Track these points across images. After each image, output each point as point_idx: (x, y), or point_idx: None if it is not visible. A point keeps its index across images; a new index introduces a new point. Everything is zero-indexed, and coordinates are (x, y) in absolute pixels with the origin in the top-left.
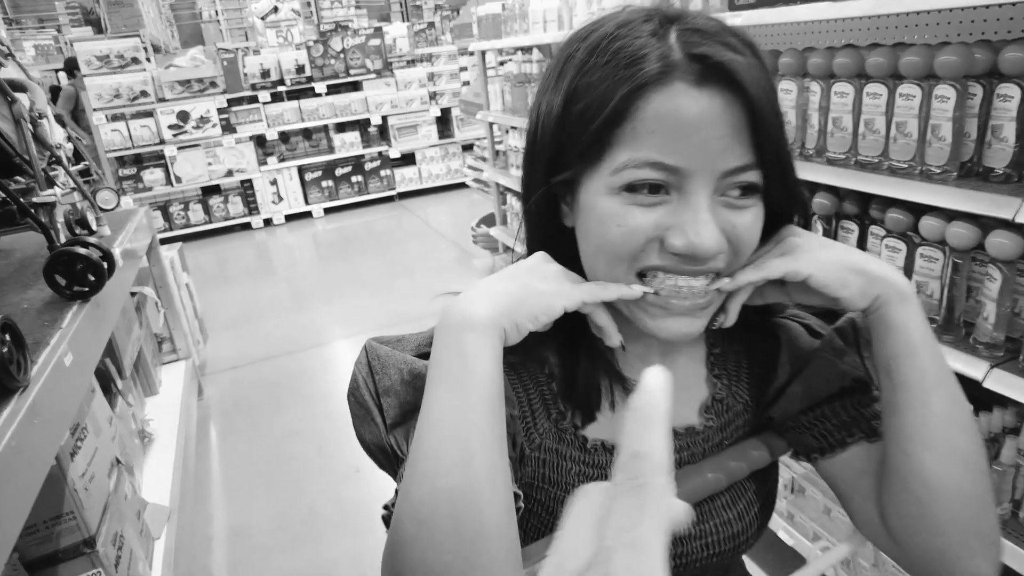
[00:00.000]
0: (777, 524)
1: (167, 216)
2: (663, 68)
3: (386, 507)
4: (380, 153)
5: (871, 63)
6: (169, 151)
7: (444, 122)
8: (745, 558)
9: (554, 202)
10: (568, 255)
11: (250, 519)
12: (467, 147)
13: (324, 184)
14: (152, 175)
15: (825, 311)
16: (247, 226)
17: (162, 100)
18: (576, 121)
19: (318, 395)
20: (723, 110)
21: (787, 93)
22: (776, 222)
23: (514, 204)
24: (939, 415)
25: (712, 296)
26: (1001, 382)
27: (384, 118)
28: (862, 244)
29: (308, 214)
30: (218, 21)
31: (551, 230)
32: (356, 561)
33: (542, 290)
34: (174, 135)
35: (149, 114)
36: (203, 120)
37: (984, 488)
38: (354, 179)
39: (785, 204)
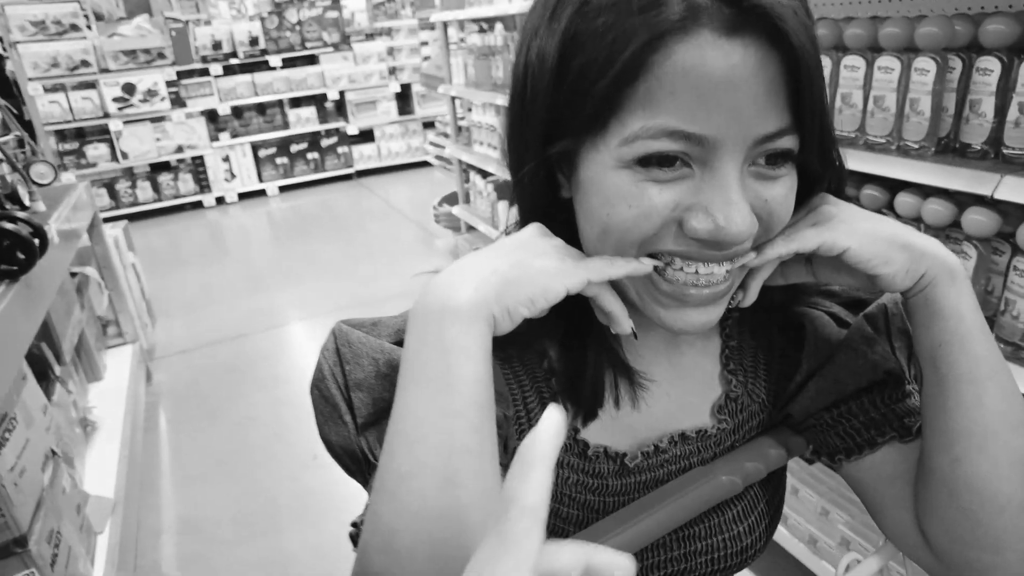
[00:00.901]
0: (797, 549)
1: (113, 194)
2: (686, 12)
3: (354, 524)
4: (337, 129)
5: (849, 35)
6: (114, 125)
7: (404, 98)
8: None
9: (550, 171)
10: (567, 230)
11: (203, 511)
12: (428, 124)
13: (279, 161)
14: (96, 151)
15: (850, 300)
16: (198, 204)
17: (105, 71)
18: (577, 79)
19: (275, 380)
20: (760, 65)
21: None
22: (808, 191)
23: (477, 182)
24: (994, 412)
25: (733, 281)
26: None
27: (341, 93)
28: None
29: (262, 192)
30: None
31: (546, 203)
32: (316, 552)
33: (539, 268)
34: (119, 108)
35: (91, 85)
36: (151, 93)
37: None
38: (310, 156)
39: (820, 171)
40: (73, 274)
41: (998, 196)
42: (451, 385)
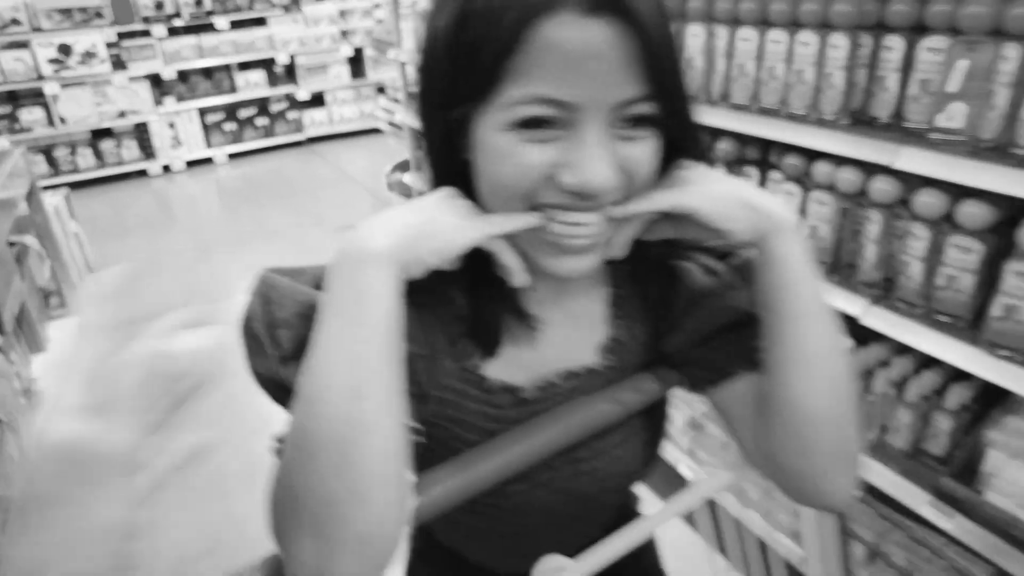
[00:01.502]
0: (679, 460)
1: (51, 161)
2: None
3: (276, 439)
4: (287, 95)
5: (774, 10)
6: (50, 88)
7: (356, 62)
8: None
9: (452, 137)
10: (472, 190)
11: None
12: (382, 89)
13: (227, 127)
14: (31, 115)
15: (723, 253)
16: (143, 173)
17: (38, 30)
18: (467, 52)
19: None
20: (615, 40)
21: (695, 38)
22: (672, 160)
23: None
24: (814, 345)
25: (605, 231)
26: (879, 319)
27: (291, 57)
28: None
29: (210, 160)
30: None
31: (453, 165)
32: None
33: (445, 224)
34: (55, 71)
35: (23, 45)
36: (89, 55)
37: (850, 415)
38: (259, 122)
39: (680, 139)
40: (12, 244)
41: (898, 166)
42: (362, 318)
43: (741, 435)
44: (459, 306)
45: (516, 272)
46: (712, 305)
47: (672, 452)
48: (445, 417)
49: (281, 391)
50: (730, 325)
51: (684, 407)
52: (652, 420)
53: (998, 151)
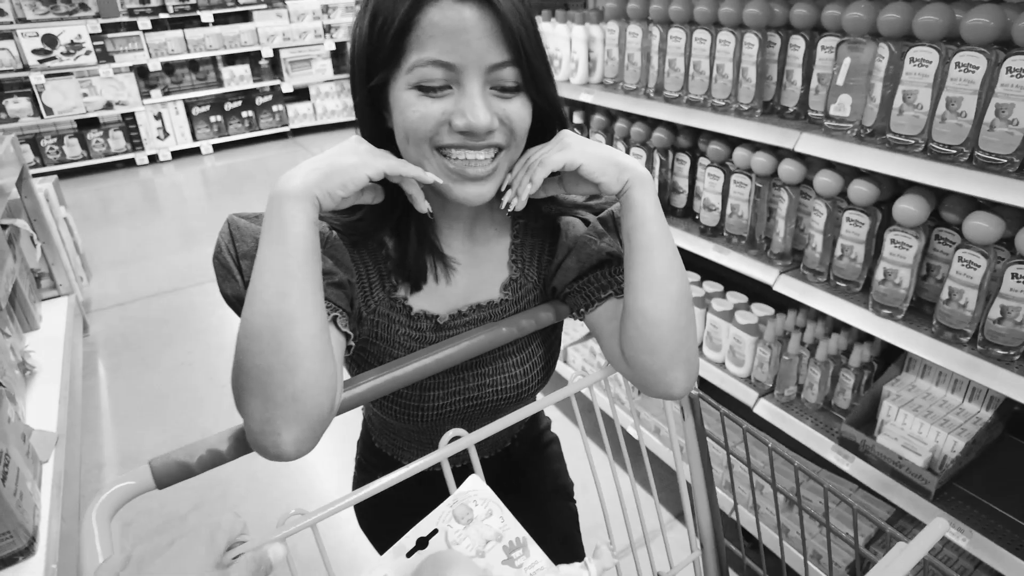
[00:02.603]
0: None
1: (38, 150)
2: None
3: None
4: (272, 87)
5: (698, 11)
6: (36, 79)
7: (339, 56)
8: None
9: (377, 107)
10: (394, 151)
11: (141, 447)
12: None
13: (213, 119)
14: (17, 105)
15: (599, 209)
16: (131, 163)
17: (23, 20)
18: (378, 35)
19: (208, 329)
20: (480, 18)
21: (633, 36)
22: (548, 129)
23: None
24: (659, 268)
25: (496, 165)
26: (788, 286)
27: (276, 51)
28: (693, 173)
29: (196, 151)
30: None
31: (378, 131)
32: (250, 477)
33: (349, 163)
34: (40, 61)
35: (8, 36)
36: (74, 46)
37: (687, 321)
38: (244, 114)
39: (545, 107)
40: (4, 227)
41: (799, 149)
42: (284, 239)
43: (607, 345)
44: (390, 248)
45: (419, 201)
46: (587, 246)
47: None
48: (376, 336)
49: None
50: (600, 263)
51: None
52: (547, 345)
53: (876, 136)
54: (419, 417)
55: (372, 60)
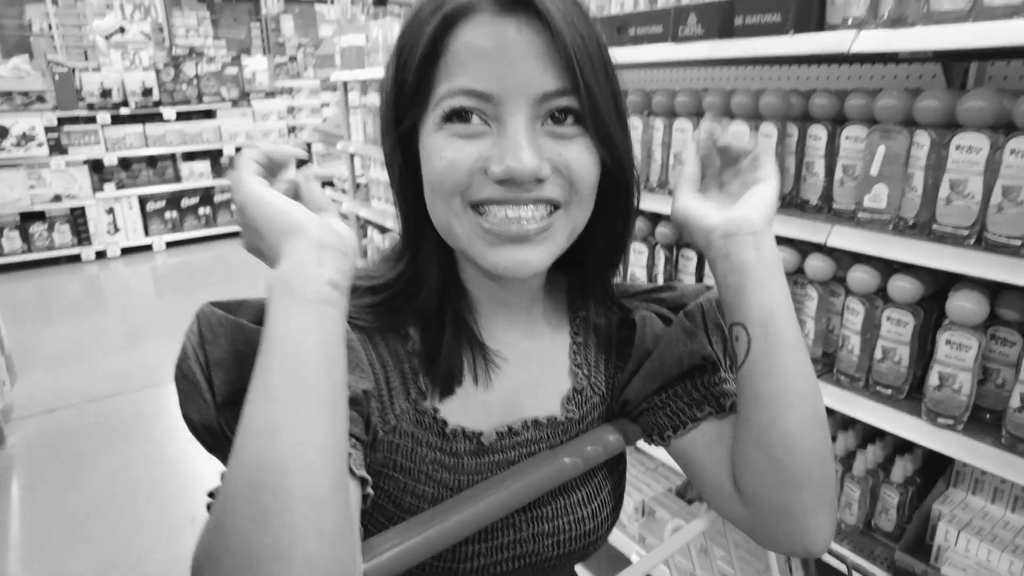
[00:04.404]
0: (629, 548)
1: None
2: (469, 2)
3: (210, 493)
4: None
5: (707, 103)
6: None
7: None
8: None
9: (410, 160)
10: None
11: None
12: (328, 183)
13: (168, 215)
14: None
15: (675, 305)
16: (76, 258)
17: None
18: (404, 68)
19: (150, 439)
20: (528, 35)
21: (633, 129)
22: (606, 207)
23: (375, 237)
24: (802, 376)
25: (550, 223)
26: (823, 393)
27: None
28: (700, 270)
29: (148, 247)
30: (51, 36)
31: (411, 190)
32: None
33: (249, 216)
34: None
35: None
36: (26, 138)
37: (830, 447)
38: (202, 211)
39: (607, 161)
40: None
41: (831, 244)
42: (269, 346)
43: (707, 477)
44: (415, 340)
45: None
46: (672, 348)
47: (621, 539)
48: (395, 466)
49: (216, 439)
50: (691, 371)
51: (635, 492)
52: (614, 478)
53: (917, 228)
54: None
55: (399, 100)
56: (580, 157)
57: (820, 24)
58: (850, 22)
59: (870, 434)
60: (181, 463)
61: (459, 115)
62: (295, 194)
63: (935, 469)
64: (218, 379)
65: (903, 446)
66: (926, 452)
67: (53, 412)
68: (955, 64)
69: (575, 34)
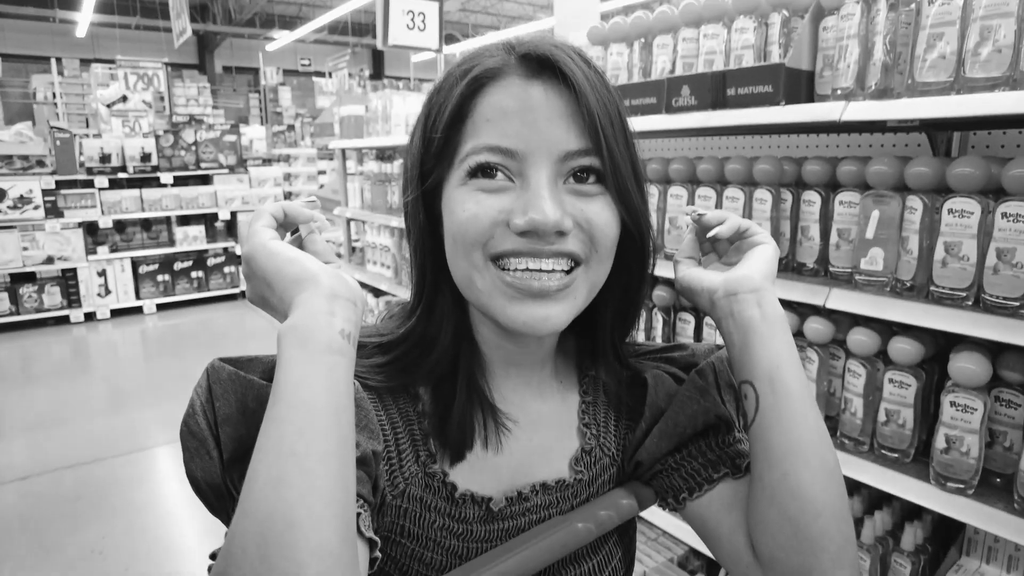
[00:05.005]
0: None
1: None
2: (497, 66)
3: (212, 555)
4: (225, 249)
5: (701, 170)
6: None
7: None
8: None
9: (432, 217)
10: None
11: None
12: None
13: (160, 278)
14: None
15: (687, 364)
16: (64, 320)
17: None
18: (431, 129)
19: (131, 507)
20: (553, 97)
21: None
22: (623, 267)
23: (370, 300)
24: (814, 430)
25: (572, 281)
26: None
27: (233, 214)
28: (698, 334)
29: (139, 309)
30: (54, 104)
31: (431, 246)
32: None
33: (259, 271)
34: None
35: None
36: (23, 200)
37: (847, 504)
38: (194, 274)
39: (626, 220)
40: None
41: (830, 306)
42: (277, 394)
43: (724, 542)
44: (425, 402)
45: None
46: (685, 408)
47: None
48: (403, 531)
49: (220, 499)
50: (705, 430)
51: (638, 565)
52: (624, 545)
53: (915, 290)
54: None
55: (425, 158)
56: (601, 213)
57: (810, 95)
58: (839, 92)
59: (876, 500)
60: (159, 529)
61: (484, 171)
62: (300, 246)
63: (946, 536)
64: (226, 436)
65: (912, 512)
66: (936, 518)
67: (28, 479)
68: (939, 133)
69: (597, 98)
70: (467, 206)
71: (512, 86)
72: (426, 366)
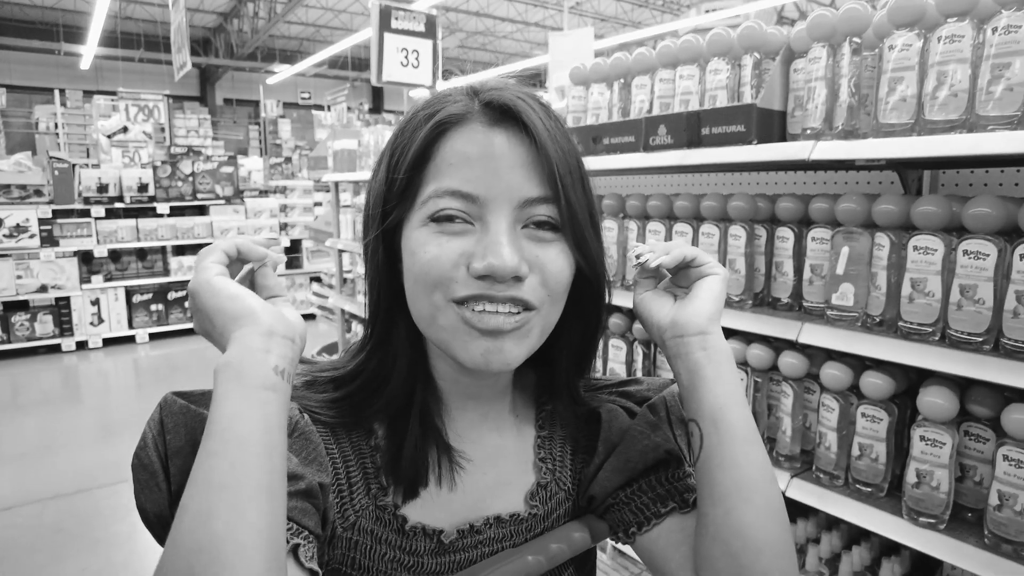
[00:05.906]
0: None
1: None
2: (461, 112)
3: None
4: None
5: (678, 206)
6: None
7: (293, 252)
8: None
9: (391, 256)
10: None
11: None
12: (316, 278)
13: (153, 307)
14: None
15: (642, 398)
16: (55, 348)
17: None
18: (393, 169)
19: (115, 540)
20: (514, 145)
21: (609, 231)
22: (578, 311)
23: (359, 332)
24: (757, 468)
25: (525, 322)
26: (803, 491)
27: None
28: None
29: (131, 339)
30: (56, 134)
31: (391, 287)
32: None
33: (209, 307)
34: None
35: None
36: (19, 229)
37: (791, 541)
38: (188, 304)
39: (583, 267)
40: None
41: (802, 340)
42: (209, 430)
43: None
44: (379, 436)
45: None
46: (636, 443)
47: None
48: (353, 563)
49: (168, 530)
50: (655, 465)
51: None
52: (580, 570)
53: (884, 325)
54: None
55: (388, 196)
56: (556, 259)
57: (782, 134)
58: (808, 132)
59: (855, 535)
60: (143, 561)
61: (446, 217)
62: (251, 280)
63: (925, 571)
64: (175, 468)
65: (890, 548)
66: (914, 554)
67: (11, 510)
68: (909, 171)
69: (557, 148)
70: (428, 248)
71: (475, 132)
72: (379, 404)
